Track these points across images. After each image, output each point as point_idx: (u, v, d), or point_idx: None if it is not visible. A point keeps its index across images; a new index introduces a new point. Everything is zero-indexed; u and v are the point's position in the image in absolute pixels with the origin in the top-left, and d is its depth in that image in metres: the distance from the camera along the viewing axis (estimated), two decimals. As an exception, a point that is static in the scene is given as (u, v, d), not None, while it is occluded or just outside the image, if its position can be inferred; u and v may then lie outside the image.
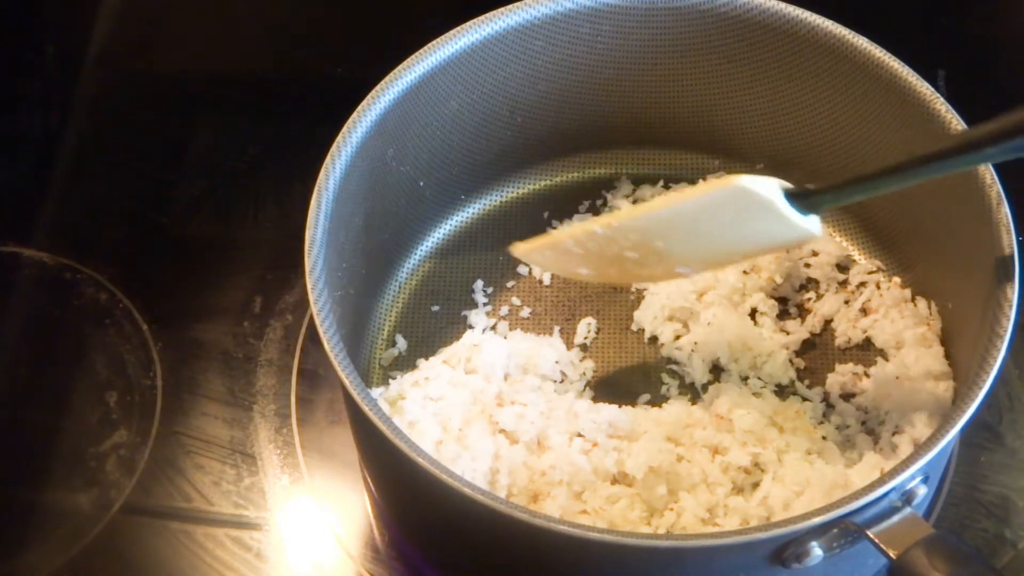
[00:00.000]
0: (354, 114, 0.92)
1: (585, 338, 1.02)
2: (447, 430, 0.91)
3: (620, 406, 0.95)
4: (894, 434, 0.93)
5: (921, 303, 1.00)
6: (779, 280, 1.02)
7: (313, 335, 1.05)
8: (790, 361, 1.00)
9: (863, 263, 1.05)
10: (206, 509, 0.98)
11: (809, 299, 1.03)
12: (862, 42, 0.94)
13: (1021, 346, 0.95)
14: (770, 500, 0.88)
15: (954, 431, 0.78)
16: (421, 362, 0.98)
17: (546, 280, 1.06)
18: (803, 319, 1.02)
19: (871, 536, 0.75)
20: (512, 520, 0.75)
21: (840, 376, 0.98)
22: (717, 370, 0.99)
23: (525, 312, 1.04)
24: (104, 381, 1.05)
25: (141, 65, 1.29)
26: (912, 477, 0.77)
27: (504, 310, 1.04)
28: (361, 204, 0.95)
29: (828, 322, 1.02)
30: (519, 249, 0.96)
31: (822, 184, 0.84)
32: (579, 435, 0.92)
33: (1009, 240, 0.85)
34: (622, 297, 1.05)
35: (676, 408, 0.95)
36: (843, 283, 1.04)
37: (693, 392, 0.99)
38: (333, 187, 0.89)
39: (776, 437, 0.92)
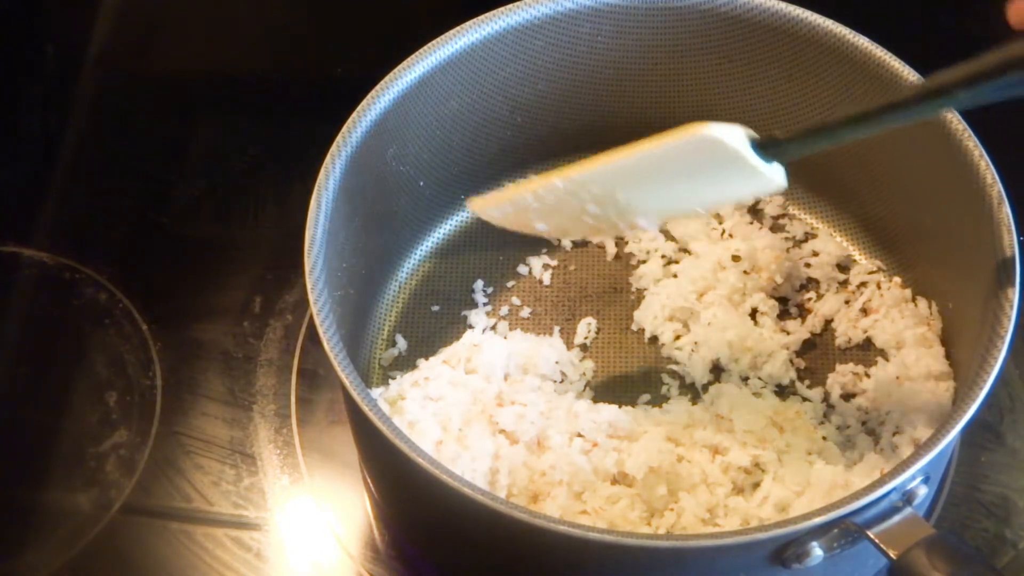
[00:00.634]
0: (354, 114, 0.92)
1: (585, 338, 1.02)
2: (447, 430, 0.91)
3: (620, 406, 0.95)
4: (894, 434, 0.93)
5: (922, 303, 1.00)
6: (779, 280, 1.02)
7: (313, 335, 1.05)
8: (790, 361, 1.00)
9: (863, 263, 1.05)
10: (206, 509, 0.98)
11: (809, 299, 1.03)
12: (862, 41, 0.94)
13: (1022, 346, 0.95)
14: (770, 500, 0.88)
15: (954, 432, 0.78)
16: (421, 362, 0.98)
17: (546, 280, 1.06)
18: (803, 319, 1.02)
19: (871, 536, 0.75)
20: (512, 520, 0.75)
21: (840, 376, 0.98)
22: (717, 370, 0.99)
23: (525, 312, 1.04)
24: (104, 381, 1.05)
25: (141, 65, 1.29)
26: (913, 477, 0.77)
27: (504, 310, 1.04)
28: (361, 204, 0.95)
29: (828, 322, 1.02)
30: (475, 204, 0.94)
31: (789, 132, 0.83)
32: (579, 435, 0.92)
33: (1010, 240, 0.85)
34: (622, 297, 1.05)
35: (676, 408, 0.95)
36: (843, 283, 1.04)
37: (693, 392, 0.99)
38: (333, 187, 0.89)
39: (776, 437, 0.92)
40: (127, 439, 1.02)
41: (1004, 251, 0.85)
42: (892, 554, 0.74)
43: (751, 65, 1.01)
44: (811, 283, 1.04)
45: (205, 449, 1.01)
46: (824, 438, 0.94)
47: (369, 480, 0.97)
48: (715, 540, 0.77)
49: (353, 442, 0.99)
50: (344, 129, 0.91)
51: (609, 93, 1.05)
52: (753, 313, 1.02)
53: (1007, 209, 0.86)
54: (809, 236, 1.07)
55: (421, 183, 1.03)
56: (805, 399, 0.98)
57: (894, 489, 0.76)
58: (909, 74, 0.92)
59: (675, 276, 1.03)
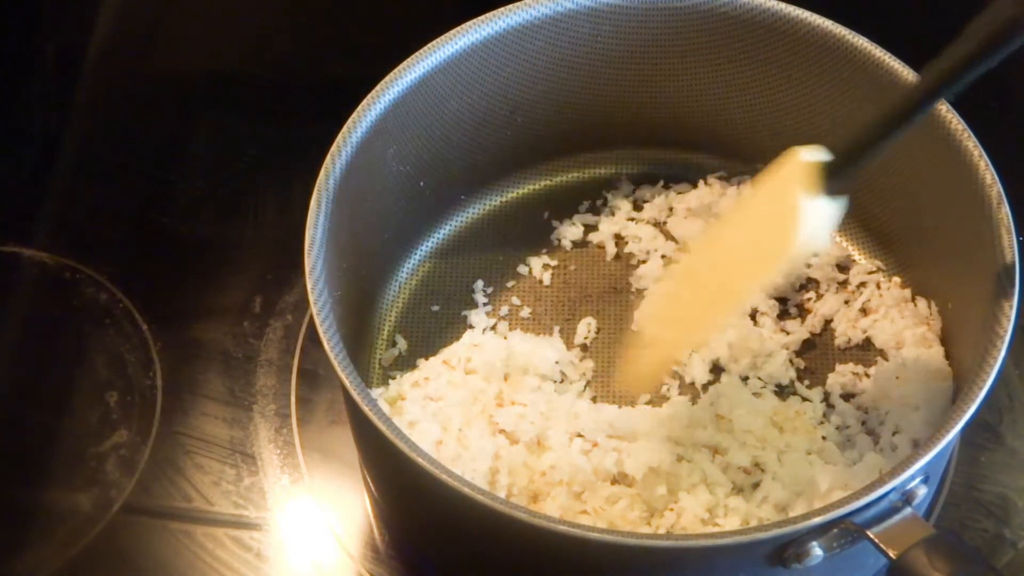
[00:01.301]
0: (354, 114, 0.92)
1: (585, 338, 1.02)
2: (447, 430, 0.91)
3: (620, 406, 0.95)
4: (894, 434, 0.93)
5: (921, 303, 1.00)
6: (779, 280, 1.02)
7: (313, 335, 1.05)
8: (790, 361, 1.00)
9: (863, 263, 1.05)
10: (206, 509, 0.98)
11: (809, 299, 1.03)
12: (862, 42, 0.94)
13: (1021, 347, 0.95)
14: (770, 500, 0.88)
15: (954, 432, 0.78)
16: (421, 362, 0.98)
17: (546, 280, 1.06)
18: (803, 319, 1.02)
19: (871, 536, 0.75)
20: (512, 520, 0.75)
21: (840, 376, 0.98)
22: (717, 370, 0.99)
23: (525, 312, 1.04)
24: (104, 381, 1.05)
25: (141, 65, 1.29)
26: (912, 477, 0.77)
27: (504, 310, 1.04)
28: (361, 204, 0.95)
29: (828, 322, 1.02)
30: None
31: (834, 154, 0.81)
32: (579, 435, 0.92)
33: (1009, 240, 0.85)
34: (622, 297, 1.05)
35: (676, 408, 0.95)
36: (843, 283, 1.04)
37: (693, 392, 0.98)
38: (333, 187, 0.89)
39: (776, 437, 0.92)
40: (127, 439, 1.02)
41: (1003, 251, 0.85)
42: (892, 554, 0.74)
43: (752, 65, 1.01)
44: (811, 283, 1.04)
45: (205, 449, 1.01)
46: (823, 438, 0.94)
47: (369, 480, 0.97)
48: (714, 540, 0.77)
49: (353, 442, 0.99)
50: (344, 129, 0.91)
51: (609, 93, 1.05)
52: (753, 313, 1.02)
53: (1006, 209, 0.86)
54: None
55: (421, 183, 1.03)
56: (805, 399, 0.98)
57: (893, 489, 0.76)
58: (908, 74, 0.92)
59: None
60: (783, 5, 0.97)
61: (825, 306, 1.02)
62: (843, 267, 1.05)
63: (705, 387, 0.98)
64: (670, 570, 0.81)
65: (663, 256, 1.06)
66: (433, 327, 1.03)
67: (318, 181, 0.89)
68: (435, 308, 1.04)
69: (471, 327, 1.02)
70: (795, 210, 0.81)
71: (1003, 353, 0.80)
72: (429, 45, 0.96)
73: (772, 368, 0.98)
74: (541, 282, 1.06)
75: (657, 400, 0.98)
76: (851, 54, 0.95)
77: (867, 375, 0.98)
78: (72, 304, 1.09)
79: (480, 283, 1.05)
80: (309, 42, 1.29)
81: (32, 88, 1.26)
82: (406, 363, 1.01)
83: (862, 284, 1.03)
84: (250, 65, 1.28)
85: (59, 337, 1.08)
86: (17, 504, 1.00)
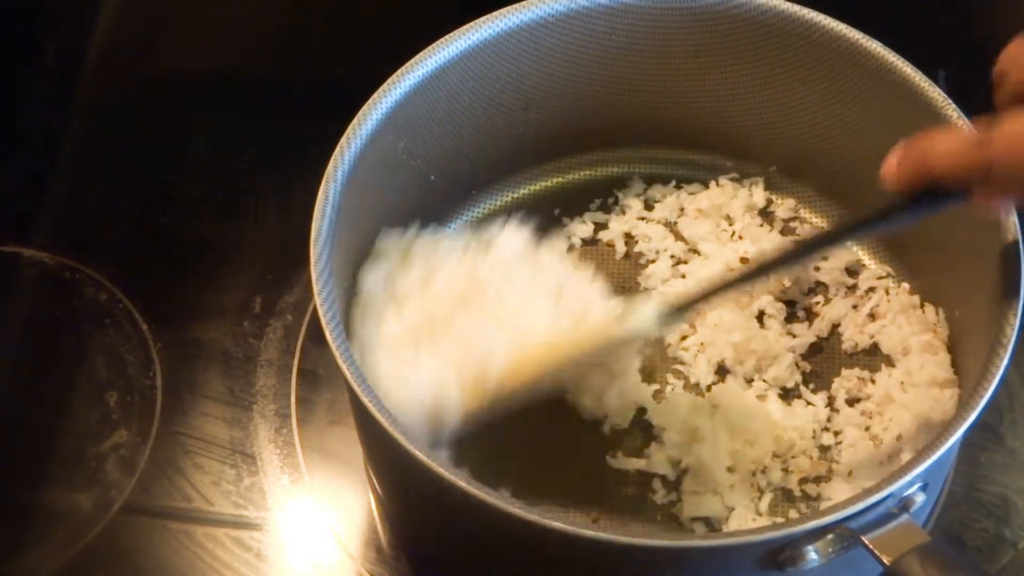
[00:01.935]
0: (364, 106, 0.92)
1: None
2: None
3: None
4: (897, 440, 0.93)
5: (929, 310, 0.99)
6: (787, 283, 1.02)
7: (313, 335, 1.06)
8: (796, 364, 0.99)
9: (873, 268, 1.04)
10: (206, 509, 0.98)
11: (817, 303, 1.03)
12: (875, 46, 0.94)
13: (1022, 348, 0.95)
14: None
15: (952, 440, 0.77)
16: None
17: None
18: (810, 323, 1.02)
19: (866, 542, 0.75)
20: (508, 517, 0.75)
21: (846, 381, 0.98)
22: (722, 371, 0.99)
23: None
24: (104, 381, 1.05)
25: (141, 65, 1.29)
26: (910, 484, 0.77)
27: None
28: (370, 196, 0.94)
29: (836, 326, 1.02)
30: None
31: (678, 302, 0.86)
32: None
33: (1016, 250, 0.84)
34: (630, 296, 1.04)
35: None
36: (852, 288, 1.04)
37: (698, 392, 0.98)
38: (342, 178, 0.89)
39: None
40: (127, 439, 1.02)
41: (1009, 260, 0.84)
42: (886, 560, 0.74)
43: (764, 67, 1.01)
44: (819, 287, 1.04)
45: (205, 449, 1.01)
46: (822, 446, 0.95)
47: (373, 477, 0.97)
48: (709, 541, 0.77)
49: (354, 441, 0.99)
50: (355, 121, 0.91)
51: (622, 92, 1.05)
52: (760, 316, 1.02)
53: (1014, 219, 0.85)
54: None
55: (432, 177, 1.03)
56: (809, 403, 0.98)
57: (890, 496, 0.76)
58: (921, 80, 0.92)
59: (683, 276, 1.03)
60: (797, 7, 0.96)
61: (833, 310, 1.02)
62: (852, 272, 1.04)
63: (710, 387, 0.98)
64: (665, 570, 0.81)
65: (672, 256, 1.06)
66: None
67: (326, 172, 0.88)
68: None
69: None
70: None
71: (1005, 362, 0.80)
72: (442, 40, 0.95)
73: (777, 371, 0.98)
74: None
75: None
76: (863, 58, 0.94)
77: (872, 381, 0.98)
78: (72, 304, 1.09)
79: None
80: (309, 42, 1.29)
81: (32, 88, 1.26)
82: None
83: (871, 289, 1.03)
84: (250, 65, 1.28)
85: (59, 337, 1.08)
86: (17, 504, 1.00)
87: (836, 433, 0.96)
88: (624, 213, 1.08)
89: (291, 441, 1.02)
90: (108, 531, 0.97)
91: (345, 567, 0.96)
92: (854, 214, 0.93)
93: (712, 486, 0.92)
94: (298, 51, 1.28)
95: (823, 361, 1.01)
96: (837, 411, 0.97)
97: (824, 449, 0.95)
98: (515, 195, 1.10)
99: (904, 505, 0.77)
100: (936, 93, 0.91)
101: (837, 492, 0.92)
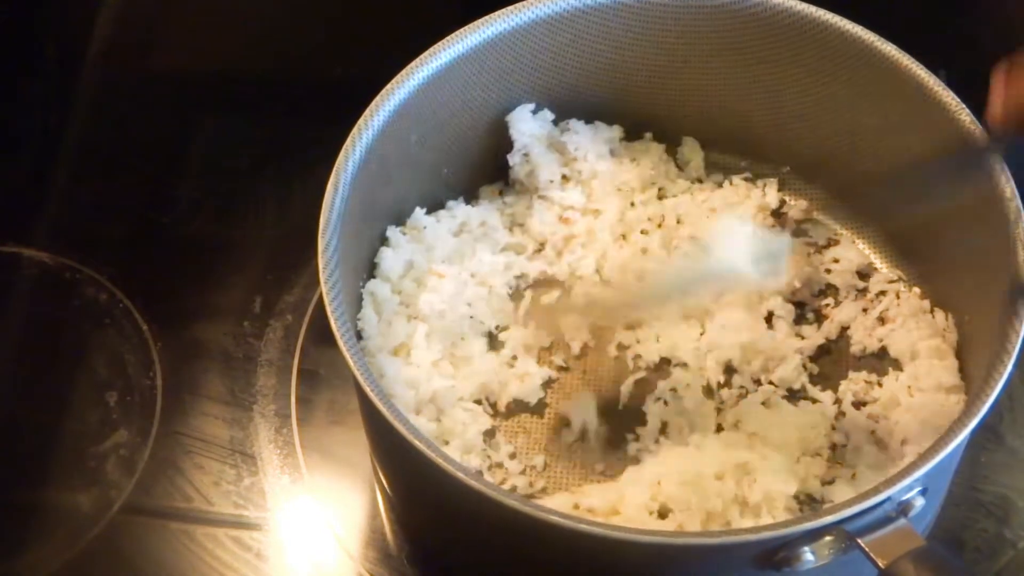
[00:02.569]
0: (377, 97, 0.92)
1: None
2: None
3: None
4: (902, 444, 0.93)
5: (939, 315, 0.99)
6: (798, 284, 1.02)
7: (313, 335, 1.06)
8: (803, 366, 0.99)
9: (884, 272, 1.04)
10: (206, 509, 0.98)
11: (827, 305, 1.03)
12: (890, 49, 0.94)
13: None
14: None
15: (952, 446, 0.77)
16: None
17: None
18: (819, 324, 1.01)
19: (862, 544, 0.75)
20: (503, 508, 0.75)
21: (853, 384, 0.98)
22: (730, 371, 0.99)
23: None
24: (104, 381, 1.05)
25: (141, 65, 1.29)
26: (908, 488, 0.77)
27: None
28: (382, 188, 0.94)
29: (845, 329, 1.01)
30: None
31: None
32: None
33: None
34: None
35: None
36: (863, 291, 1.03)
37: (707, 392, 0.98)
38: (352, 168, 0.89)
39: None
40: (127, 439, 1.02)
41: (1018, 267, 0.84)
42: (880, 563, 0.74)
43: (779, 67, 1.00)
44: (830, 289, 1.04)
45: (205, 449, 1.01)
46: (832, 446, 0.94)
47: (379, 472, 0.97)
48: (705, 539, 0.78)
49: (354, 441, 0.99)
50: (367, 112, 0.91)
51: (637, 90, 1.05)
52: (769, 316, 1.01)
53: None
54: (832, 242, 1.06)
55: (445, 170, 1.03)
56: (815, 400, 0.97)
57: (888, 499, 0.76)
58: (935, 84, 0.92)
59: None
60: (814, 8, 0.96)
61: (843, 313, 1.01)
62: (864, 275, 1.04)
63: (719, 386, 0.98)
64: (661, 567, 0.81)
65: (685, 255, 1.05)
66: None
67: (337, 163, 0.88)
68: None
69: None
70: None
71: (1009, 368, 0.79)
72: (459, 32, 0.96)
73: (784, 372, 0.98)
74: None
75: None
76: (877, 60, 0.94)
77: (880, 384, 0.98)
78: (72, 304, 1.09)
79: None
80: (309, 42, 1.29)
81: (32, 88, 1.26)
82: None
83: (881, 293, 1.02)
84: (250, 65, 1.28)
85: (59, 337, 1.08)
86: (17, 504, 1.00)
87: (845, 434, 0.96)
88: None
89: (291, 441, 1.01)
90: (108, 531, 0.97)
91: (345, 567, 0.96)
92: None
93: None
94: (298, 51, 1.28)
95: (831, 363, 1.00)
96: (844, 414, 0.97)
97: (833, 449, 0.95)
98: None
99: (903, 509, 0.77)
100: (950, 98, 0.91)
101: (840, 494, 0.91)
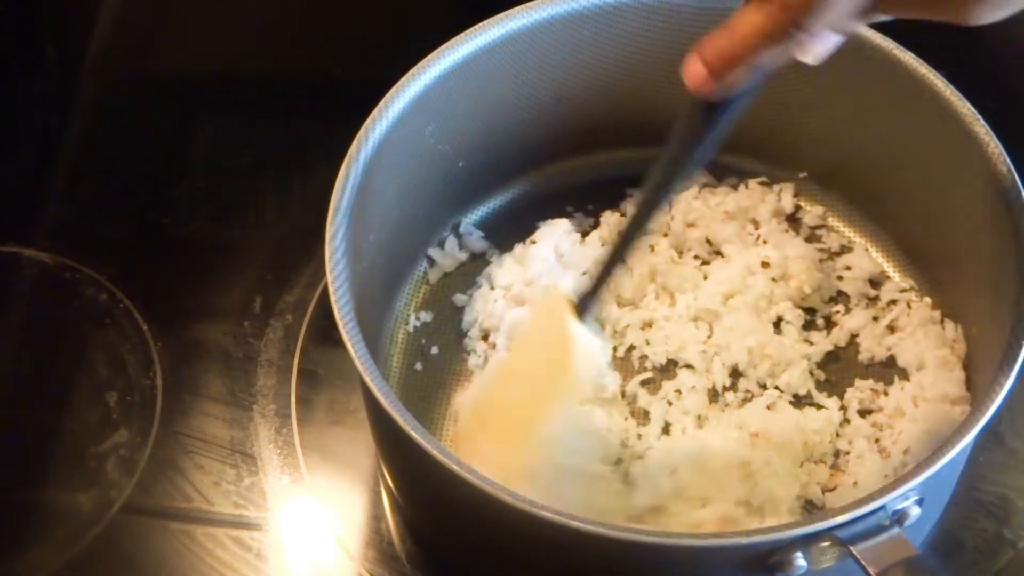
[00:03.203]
0: (393, 89, 0.92)
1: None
2: None
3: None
4: (905, 453, 0.93)
5: (949, 326, 0.99)
6: (808, 290, 1.02)
7: (313, 335, 1.06)
8: (810, 372, 0.99)
9: (896, 280, 1.04)
10: (206, 509, 0.98)
11: (837, 312, 1.03)
12: (908, 57, 0.94)
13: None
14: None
15: (948, 457, 0.77)
16: None
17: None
18: (829, 331, 1.01)
19: (854, 552, 0.75)
20: (502, 504, 0.75)
21: (859, 392, 0.98)
22: (736, 374, 0.99)
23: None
24: (104, 381, 1.05)
25: (141, 65, 1.29)
26: (904, 497, 0.77)
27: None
28: (395, 179, 0.95)
29: (854, 337, 1.01)
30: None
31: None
32: None
33: None
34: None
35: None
36: (874, 299, 1.03)
37: (712, 395, 0.98)
38: (364, 158, 0.89)
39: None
40: (127, 439, 1.02)
41: None
42: (871, 572, 0.74)
43: (797, 71, 0.98)
44: (841, 296, 1.04)
45: (205, 449, 1.01)
46: (835, 453, 0.94)
47: (384, 469, 0.97)
48: (695, 540, 0.77)
49: (354, 441, 0.99)
50: (381, 103, 0.91)
51: (658, 89, 1.04)
52: (778, 321, 1.01)
53: None
54: (845, 249, 1.06)
55: (460, 163, 1.03)
56: (821, 407, 0.97)
57: (882, 508, 0.76)
58: (952, 94, 0.92)
59: (705, 278, 1.03)
60: None
61: (853, 320, 1.01)
62: (876, 283, 1.04)
63: (724, 389, 0.98)
64: (656, 565, 0.81)
65: (696, 256, 1.05)
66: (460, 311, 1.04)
67: (349, 151, 0.88)
68: (459, 295, 1.05)
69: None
70: (565, 335, 0.85)
71: (1011, 381, 0.79)
72: (478, 26, 0.96)
73: (790, 377, 0.98)
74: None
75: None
76: (895, 67, 0.95)
77: (885, 393, 0.98)
78: (72, 304, 1.09)
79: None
80: (309, 42, 1.29)
81: (32, 88, 1.26)
82: (433, 335, 1.02)
83: (892, 302, 1.02)
84: (250, 65, 1.28)
85: (59, 337, 1.08)
86: (17, 504, 1.00)
87: (849, 442, 0.96)
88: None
89: (291, 441, 1.02)
90: (108, 531, 0.97)
91: (345, 567, 0.96)
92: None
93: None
94: (298, 51, 1.28)
95: (838, 371, 1.00)
96: (848, 421, 0.97)
97: (836, 456, 0.95)
98: (542, 188, 1.10)
99: (898, 519, 0.77)
100: (966, 108, 0.91)
101: (841, 502, 0.91)
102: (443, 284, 1.06)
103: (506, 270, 1.03)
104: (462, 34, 0.95)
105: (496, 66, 0.98)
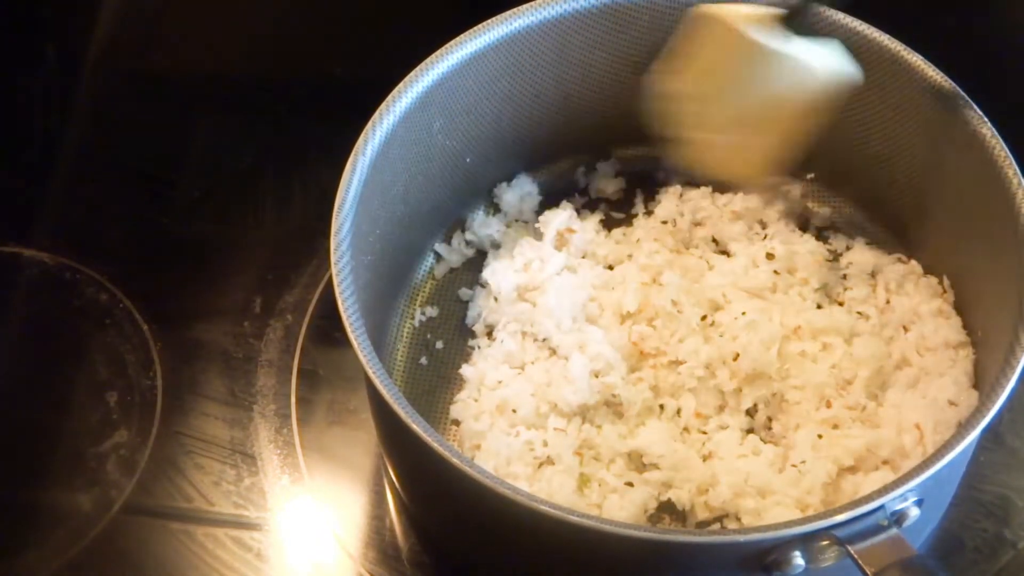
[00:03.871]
0: (400, 84, 0.92)
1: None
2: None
3: None
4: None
5: (933, 280, 1.00)
6: (816, 285, 1.02)
7: (313, 335, 1.06)
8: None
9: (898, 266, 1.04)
10: (206, 509, 0.98)
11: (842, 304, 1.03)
12: (916, 59, 0.94)
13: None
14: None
15: (947, 459, 0.77)
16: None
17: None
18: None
19: (851, 552, 0.75)
20: (508, 500, 0.75)
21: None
22: (747, 371, 0.97)
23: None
24: (104, 381, 1.05)
25: (141, 65, 1.29)
26: (903, 498, 0.77)
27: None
28: (402, 173, 0.95)
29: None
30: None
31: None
32: None
33: None
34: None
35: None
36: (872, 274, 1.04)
37: (719, 392, 0.98)
38: (371, 153, 0.89)
39: None
40: (127, 439, 1.02)
41: None
42: (868, 572, 0.75)
43: None
44: (846, 293, 1.03)
45: (205, 449, 1.01)
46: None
47: (388, 466, 0.97)
48: (695, 538, 0.78)
49: (354, 441, 0.99)
50: (389, 98, 0.91)
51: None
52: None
53: None
54: (850, 248, 1.06)
55: (468, 159, 1.03)
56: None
57: (881, 508, 0.76)
58: (960, 98, 0.92)
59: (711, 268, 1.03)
60: (840, 15, 0.96)
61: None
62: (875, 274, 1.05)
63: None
64: (654, 561, 0.81)
65: (700, 257, 1.05)
66: (461, 311, 1.04)
67: (356, 146, 0.89)
68: (465, 289, 1.05)
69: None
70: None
71: (1012, 383, 0.79)
72: (485, 23, 0.96)
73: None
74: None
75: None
76: (903, 70, 0.95)
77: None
78: (72, 304, 1.09)
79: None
80: (309, 42, 1.29)
81: (32, 88, 1.26)
82: (439, 330, 1.02)
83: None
84: (250, 65, 1.28)
85: (59, 337, 1.08)
86: (17, 504, 1.00)
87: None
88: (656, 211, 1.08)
89: (291, 441, 1.02)
90: (108, 531, 0.97)
91: (345, 567, 0.96)
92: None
93: None
94: (298, 51, 1.28)
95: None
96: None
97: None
98: (549, 184, 1.10)
99: (897, 520, 0.77)
100: (974, 113, 0.91)
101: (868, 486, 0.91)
102: (449, 279, 1.06)
103: (508, 264, 1.03)
104: (470, 30, 0.95)
105: (504, 63, 0.98)
